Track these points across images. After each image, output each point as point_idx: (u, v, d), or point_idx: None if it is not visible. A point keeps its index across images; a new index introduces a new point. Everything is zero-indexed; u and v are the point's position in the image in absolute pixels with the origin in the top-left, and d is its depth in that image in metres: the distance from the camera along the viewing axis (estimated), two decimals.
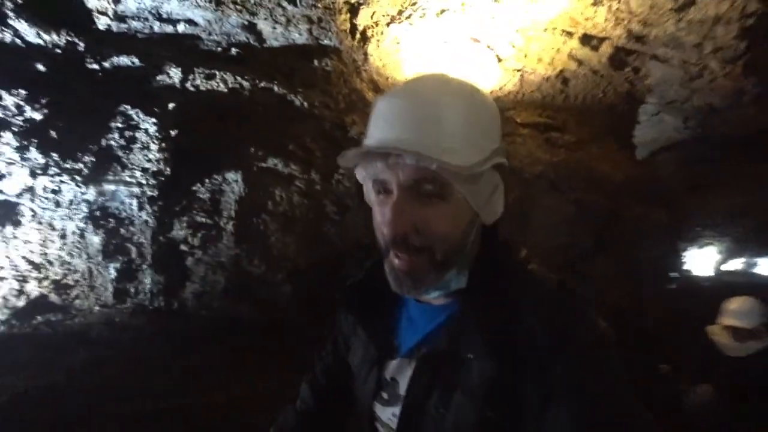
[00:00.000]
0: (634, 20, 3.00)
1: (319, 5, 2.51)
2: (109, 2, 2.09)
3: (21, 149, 1.84)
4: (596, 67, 3.65)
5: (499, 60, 3.78)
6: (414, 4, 3.07)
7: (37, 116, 1.91)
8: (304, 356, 0.74)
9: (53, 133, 1.90)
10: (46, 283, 1.94)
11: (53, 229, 1.93)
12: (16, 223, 1.89)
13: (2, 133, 1.84)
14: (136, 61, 2.19)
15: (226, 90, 2.31)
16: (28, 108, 1.91)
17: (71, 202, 1.92)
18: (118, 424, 1.52)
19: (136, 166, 1.97)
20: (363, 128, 2.59)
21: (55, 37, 2.08)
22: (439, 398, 0.55)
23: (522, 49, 3.64)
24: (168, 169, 2.00)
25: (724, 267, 6.39)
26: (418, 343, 0.63)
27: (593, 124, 4.26)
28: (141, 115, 2.04)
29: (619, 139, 4.72)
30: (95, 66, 2.14)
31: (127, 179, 1.95)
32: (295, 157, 2.39)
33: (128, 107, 2.05)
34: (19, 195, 1.87)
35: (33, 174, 1.85)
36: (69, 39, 2.11)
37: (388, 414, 0.64)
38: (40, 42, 2.07)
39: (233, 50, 2.48)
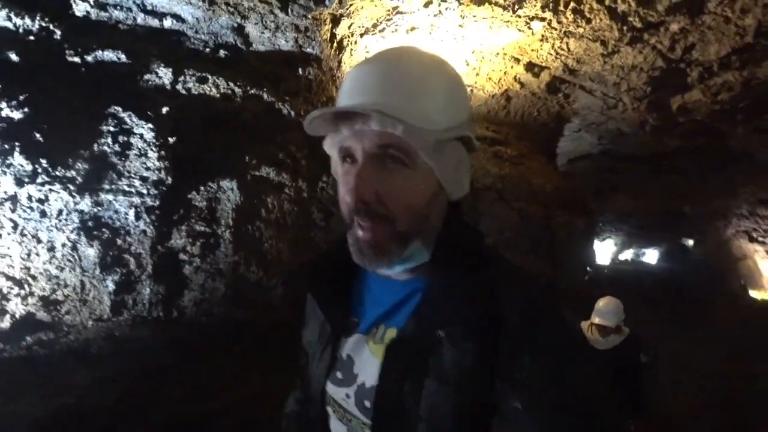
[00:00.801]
0: (570, 57, 3.63)
1: (309, 16, 2.65)
2: None
3: (2, 154, 1.71)
4: (535, 90, 4.29)
5: None
6: (390, 20, 3.33)
7: (16, 115, 1.78)
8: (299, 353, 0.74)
9: (38, 136, 1.78)
10: (31, 300, 1.82)
11: (39, 241, 1.82)
12: None
13: None
14: (122, 56, 2.12)
15: (218, 95, 2.34)
16: (3, 104, 1.77)
17: (60, 212, 1.83)
18: None
19: (134, 175, 1.94)
20: None
21: (28, 21, 1.93)
22: (411, 387, 0.55)
23: (475, 68, 4.13)
24: (169, 178, 2.00)
25: (619, 257, 7.85)
26: (376, 319, 0.62)
27: (529, 138, 4.96)
28: (134, 119, 2.00)
29: (546, 152, 5.56)
30: (76, 59, 2.03)
31: (126, 188, 1.91)
32: (284, 166, 2.52)
33: (119, 109, 1.99)
34: None
35: (19, 182, 1.73)
36: (43, 25, 1.97)
37: (341, 394, 0.62)
38: (9, 26, 1.91)
39: (222, 52, 2.50)
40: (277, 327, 2.18)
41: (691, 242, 6.64)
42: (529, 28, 3.32)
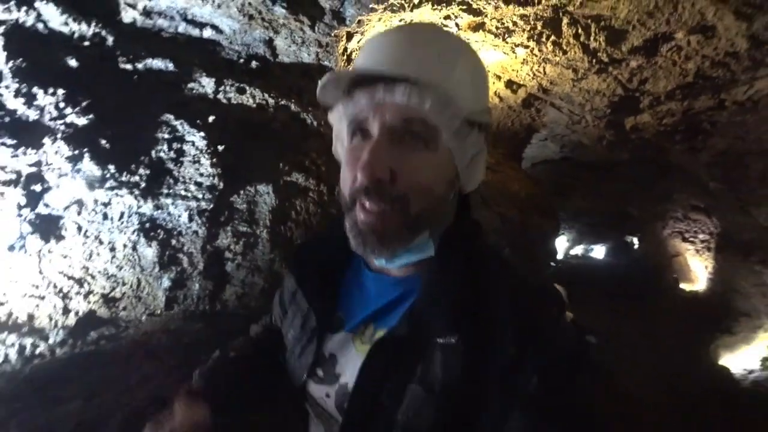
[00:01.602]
0: (545, 79, 4.22)
1: (332, 33, 2.96)
2: None
3: (73, 159, 1.85)
4: (512, 104, 4.86)
5: None
6: None
7: (82, 121, 1.92)
8: None
9: (104, 143, 1.94)
10: (92, 298, 1.96)
11: (100, 242, 1.97)
12: (58, 238, 1.90)
13: (45, 140, 1.83)
14: (170, 65, 2.30)
15: (254, 105, 2.58)
16: (69, 110, 1.91)
17: (122, 215, 2.00)
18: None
19: (189, 180, 2.15)
20: None
21: (84, 26, 2.05)
22: (391, 390, 0.51)
23: None
24: (221, 183, 2.22)
25: (571, 252, 8.84)
26: (365, 318, 0.59)
27: (503, 146, 5.56)
28: (186, 127, 2.20)
29: (516, 158, 6.20)
30: (128, 66, 2.19)
31: (183, 193, 2.11)
32: (310, 172, 2.80)
33: (171, 117, 2.18)
34: (65, 208, 1.88)
35: (90, 186, 1.88)
36: (96, 31, 2.11)
37: (321, 393, 0.59)
38: (66, 31, 2.03)
39: (253, 63, 2.73)
40: None
41: (635, 240, 7.68)
42: (514, 52, 3.84)
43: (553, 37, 3.46)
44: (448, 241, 0.56)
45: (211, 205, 2.20)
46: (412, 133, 0.51)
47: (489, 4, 2.95)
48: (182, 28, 2.44)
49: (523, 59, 3.97)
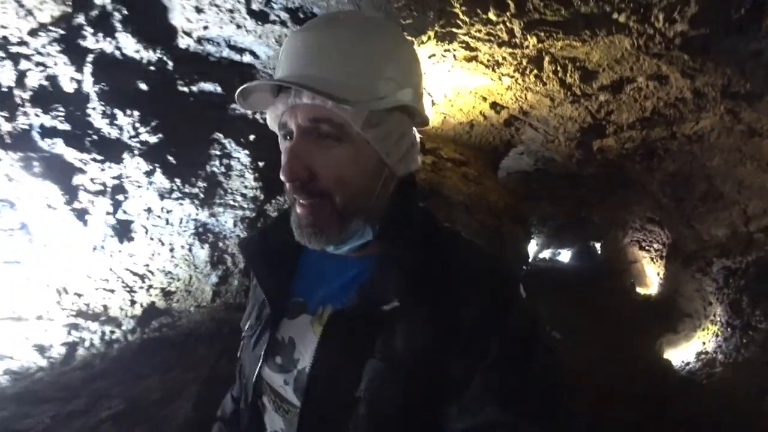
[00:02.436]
0: (526, 104, 4.86)
1: None
2: (198, 27, 2.55)
3: (148, 173, 2.22)
4: (494, 123, 5.48)
5: (433, 104, 5.24)
6: None
7: (153, 139, 2.29)
8: None
9: (171, 159, 2.31)
10: (153, 291, 2.32)
11: (162, 244, 2.33)
12: (129, 240, 2.26)
13: (124, 155, 2.20)
14: (218, 88, 2.70)
15: None
16: (142, 129, 2.28)
17: (181, 221, 2.37)
18: None
19: (235, 192, 2.55)
20: None
21: (150, 53, 2.39)
22: (349, 367, 0.52)
23: (450, 101, 5.19)
24: (262, 195, 2.64)
25: (540, 255, 9.66)
26: (322, 300, 0.61)
27: (484, 159, 6.18)
28: (233, 145, 2.59)
29: (494, 169, 6.87)
30: (185, 89, 2.56)
31: (231, 203, 2.51)
32: None
33: (221, 135, 2.57)
34: (138, 215, 2.25)
35: (161, 197, 2.24)
36: (160, 56, 2.47)
37: (279, 381, 0.60)
38: (137, 57, 2.39)
39: None
40: None
41: (597, 246, 8.58)
42: (500, 80, 4.44)
43: (535, 71, 4.08)
44: (389, 220, 0.58)
45: (254, 214, 2.62)
46: (323, 131, 0.54)
47: (485, 45, 3.51)
48: (226, 53, 2.83)
49: (508, 86, 4.58)
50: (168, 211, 2.37)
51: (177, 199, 2.33)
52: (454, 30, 3.24)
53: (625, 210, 6.61)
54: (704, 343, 5.08)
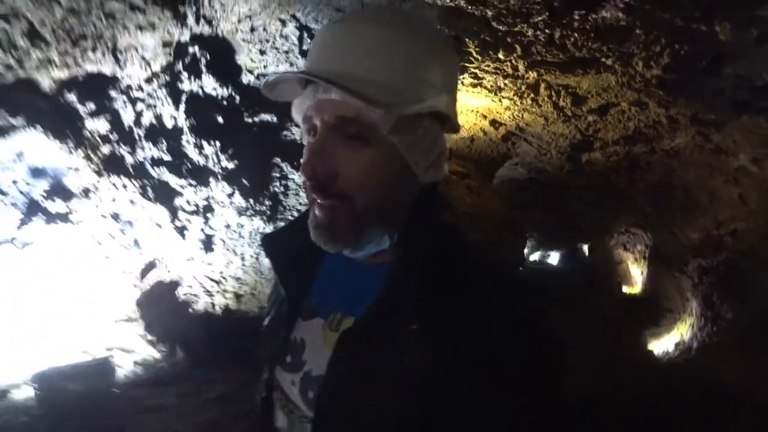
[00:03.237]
0: (522, 122, 5.50)
1: None
2: (260, 65, 3.05)
3: (230, 195, 2.70)
4: (493, 138, 6.12)
5: None
6: None
7: (230, 165, 2.78)
8: None
9: (245, 181, 2.80)
10: (228, 295, 2.79)
11: (235, 254, 2.81)
12: (210, 250, 2.74)
13: (210, 179, 2.69)
14: (275, 118, 3.21)
15: None
16: (223, 157, 2.77)
17: (251, 234, 2.86)
18: None
19: (292, 208, 3.05)
20: None
21: (224, 90, 2.90)
22: (360, 379, 0.52)
23: None
24: None
25: (530, 258, 10.39)
26: (336, 305, 0.62)
27: (483, 170, 6.82)
28: (288, 168, 3.10)
29: (491, 180, 7.52)
30: (249, 120, 3.06)
31: (289, 218, 3.02)
32: None
33: (279, 160, 3.07)
34: (219, 230, 2.73)
35: (239, 214, 2.72)
36: (230, 92, 2.97)
37: (287, 381, 0.61)
38: (213, 93, 2.88)
39: None
40: None
41: (585, 248, 9.33)
42: (500, 101, 5.07)
43: (532, 95, 4.71)
44: (408, 230, 0.57)
45: None
46: (349, 130, 0.53)
47: (491, 76, 4.12)
48: None
49: (507, 106, 5.22)
50: (241, 226, 2.86)
51: (250, 215, 2.83)
52: (467, 64, 3.83)
53: (612, 217, 7.34)
54: (682, 334, 5.79)
